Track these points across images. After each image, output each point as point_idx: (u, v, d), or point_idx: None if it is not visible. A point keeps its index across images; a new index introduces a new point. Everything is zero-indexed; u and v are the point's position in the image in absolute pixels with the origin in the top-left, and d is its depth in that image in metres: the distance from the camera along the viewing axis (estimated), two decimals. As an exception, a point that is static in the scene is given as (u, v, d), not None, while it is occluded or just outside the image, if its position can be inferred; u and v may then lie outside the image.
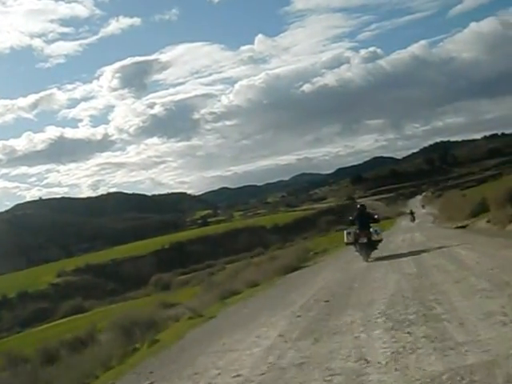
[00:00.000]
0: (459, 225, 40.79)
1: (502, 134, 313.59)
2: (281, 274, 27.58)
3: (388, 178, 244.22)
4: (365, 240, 23.08)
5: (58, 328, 51.69)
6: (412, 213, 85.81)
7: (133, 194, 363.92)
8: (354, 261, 23.85)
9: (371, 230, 23.63)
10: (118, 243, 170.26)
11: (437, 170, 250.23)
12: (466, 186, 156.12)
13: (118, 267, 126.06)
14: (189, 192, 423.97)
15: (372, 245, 23.35)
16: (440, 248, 22.14)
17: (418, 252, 21.88)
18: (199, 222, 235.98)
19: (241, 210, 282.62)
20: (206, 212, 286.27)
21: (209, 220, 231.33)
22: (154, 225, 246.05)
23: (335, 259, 31.73)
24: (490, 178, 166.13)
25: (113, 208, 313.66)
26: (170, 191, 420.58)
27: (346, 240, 24.16)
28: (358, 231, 23.58)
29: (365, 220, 24.27)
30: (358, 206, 26.70)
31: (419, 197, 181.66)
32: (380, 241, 24.04)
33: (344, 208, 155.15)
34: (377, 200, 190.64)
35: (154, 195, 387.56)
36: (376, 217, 26.18)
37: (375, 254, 23.79)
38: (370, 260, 22.51)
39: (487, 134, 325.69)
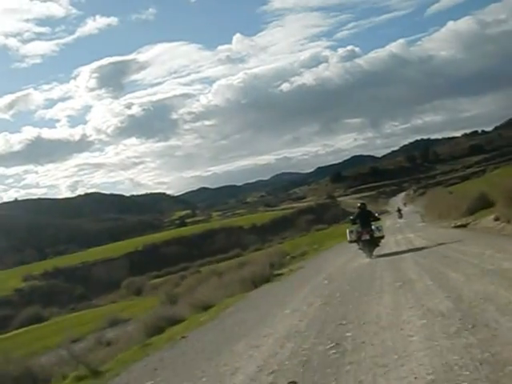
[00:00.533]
0: (458, 223, 34.71)
1: (482, 131, 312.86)
2: (244, 290, 22.63)
3: (369, 176, 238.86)
4: (367, 237, 23.58)
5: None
6: (399, 210, 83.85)
7: (111, 195, 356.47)
8: (339, 272, 20.55)
9: (373, 227, 24.03)
10: (94, 245, 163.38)
11: (418, 168, 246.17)
12: (450, 183, 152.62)
13: (89, 271, 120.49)
14: (168, 192, 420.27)
15: (374, 242, 23.81)
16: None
17: (433, 269, 15.07)
18: (177, 222, 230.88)
19: (220, 210, 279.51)
20: (184, 212, 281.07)
21: (187, 220, 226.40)
22: (131, 226, 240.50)
23: (315, 269, 25.48)
24: (473, 174, 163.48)
25: (90, 209, 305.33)
26: (148, 192, 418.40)
27: (348, 238, 24.64)
28: (360, 229, 23.99)
29: (366, 218, 24.66)
30: (359, 204, 26.45)
31: (401, 195, 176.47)
32: (382, 237, 24.46)
33: (324, 207, 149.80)
34: (358, 198, 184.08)
35: (132, 195, 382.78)
36: (376, 215, 26.49)
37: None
38: (373, 257, 22.93)
39: (467, 131, 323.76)
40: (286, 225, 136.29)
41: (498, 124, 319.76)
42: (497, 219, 28.16)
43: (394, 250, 25.05)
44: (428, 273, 13.95)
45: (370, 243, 23.66)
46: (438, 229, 36.26)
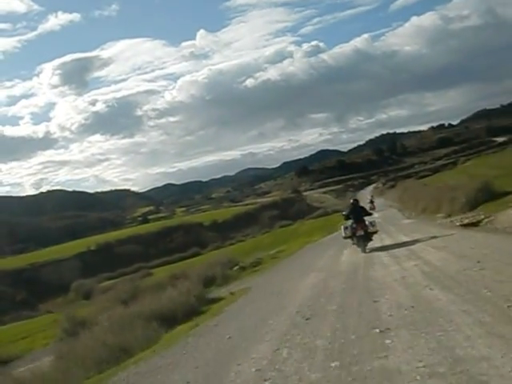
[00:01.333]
0: (465, 221, 25.63)
1: (449, 124, 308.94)
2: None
3: (335, 170, 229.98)
4: (362, 233, 23.57)
5: None
6: (372, 201, 76.08)
7: (74, 192, 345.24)
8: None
9: (367, 222, 23.99)
10: (53, 243, 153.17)
11: (386, 161, 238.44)
12: (421, 175, 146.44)
13: (37, 272, 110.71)
14: (133, 189, 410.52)
15: (368, 237, 23.74)
16: None
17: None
18: (140, 219, 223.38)
19: (184, 206, 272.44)
20: (147, 209, 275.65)
21: (150, 217, 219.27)
22: (92, 223, 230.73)
23: (267, 294, 16.56)
24: (443, 167, 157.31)
25: (53, 206, 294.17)
26: (113, 188, 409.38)
27: (343, 234, 24.72)
28: (354, 225, 23.99)
29: (359, 214, 24.63)
30: (352, 201, 26.46)
31: (370, 188, 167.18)
32: (376, 232, 24.41)
33: (288, 202, 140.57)
34: (324, 193, 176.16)
35: (96, 192, 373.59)
36: (368, 210, 26.86)
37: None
38: (367, 251, 22.73)
39: (433, 124, 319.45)
40: (249, 221, 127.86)
41: (464, 117, 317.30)
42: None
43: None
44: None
45: (365, 238, 23.55)
46: (439, 229, 26.05)
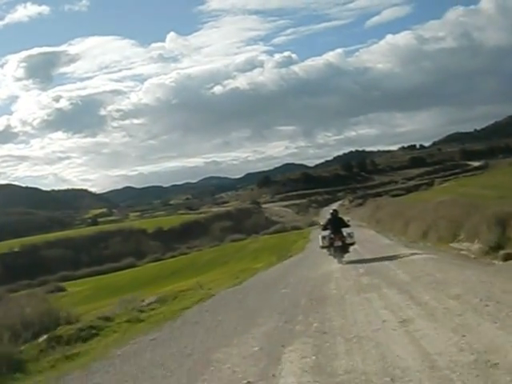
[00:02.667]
0: None
1: (421, 145, 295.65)
2: None
3: (299, 183, 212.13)
4: (340, 243, 23.73)
5: None
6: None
7: (27, 188, 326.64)
8: None
9: (344, 233, 24.05)
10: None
11: (355, 177, 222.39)
12: (393, 194, 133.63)
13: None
14: (92, 190, 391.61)
15: (345, 248, 23.89)
16: None
17: None
18: (89, 221, 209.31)
19: (139, 210, 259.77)
20: (100, 211, 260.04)
21: (101, 219, 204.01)
22: (39, 222, 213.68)
23: None
24: (416, 187, 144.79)
25: (1, 202, 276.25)
26: (70, 187, 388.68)
27: (321, 244, 24.65)
28: (332, 235, 24.05)
29: (337, 224, 24.74)
30: (331, 211, 26.40)
31: (335, 205, 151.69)
32: (353, 244, 24.42)
33: (244, 213, 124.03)
34: (286, 206, 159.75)
35: (53, 191, 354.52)
36: (347, 221, 25.92)
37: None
38: (343, 262, 22.81)
39: (404, 145, 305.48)
40: (199, 231, 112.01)
41: (435, 139, 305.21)
42: None
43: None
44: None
45: (342, 249, 23.70)
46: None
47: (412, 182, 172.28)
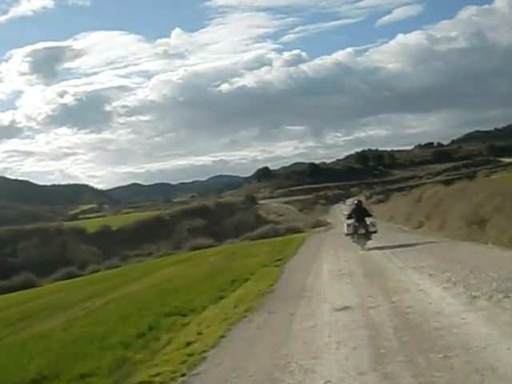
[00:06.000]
0: None
1: (439, 144, 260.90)
2: None
3: (306, 176, 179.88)
4: (363, 231, 24.09)
5: None
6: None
7: (16, 181, 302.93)
8: None
9: (368, 222, 24.45)
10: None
11: (371, 171, 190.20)
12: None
13: None
14: (97, 186, 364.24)
15: (368, 236, 24.18)
16: None
17: None
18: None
19: (135, 207, 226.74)
20: (88, 206, 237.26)
21: (89, 215, 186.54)
22: (12, 216, 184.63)
23: None
24: (448, 182, 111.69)
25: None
26: (71, 182, 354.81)
27: (346, 231, 25.08)
28: (356, 224, 24.42)
29: (361, 214, 25.02)
30: (355, 201, 27.38)
31: (349, 201, 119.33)
32: (375, 232, 24.66)
33: (226, 209, 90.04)
34: (287, 202, 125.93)
35: (53, 185, 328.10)
36: (369, 211, 26.62)
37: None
38: (365, 249, 23.05)
39: (421, 143, 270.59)
40: (160, 231, 79.22)
41: (454, 138, 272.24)
42: None
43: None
44: None
45: (365, 237, 23.93)
46: None
47: (439, 178, 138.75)
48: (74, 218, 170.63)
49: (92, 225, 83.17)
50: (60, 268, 60.53)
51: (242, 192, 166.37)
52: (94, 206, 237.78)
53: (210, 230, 76.22)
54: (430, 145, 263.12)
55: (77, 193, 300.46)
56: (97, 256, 69.39)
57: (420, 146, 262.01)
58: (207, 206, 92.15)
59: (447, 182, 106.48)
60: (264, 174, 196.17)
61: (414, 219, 41.52)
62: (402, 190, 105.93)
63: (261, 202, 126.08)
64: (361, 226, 23.96)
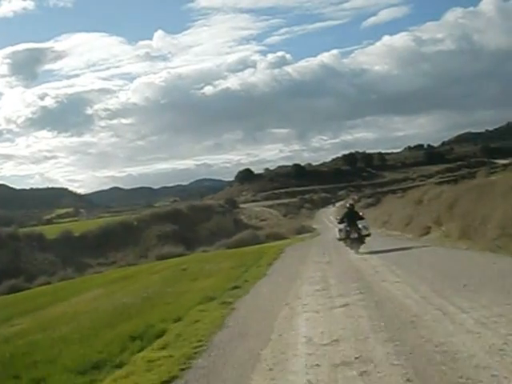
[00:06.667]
0: None
1: (429, 146, 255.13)
2: None
3: (291, 178, 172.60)
4: (356, 235, 23.92)
5: None
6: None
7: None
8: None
9: (360, 226, 24.31)
10: None
11: (359, 173, 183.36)
12: None
13: None
14: (78, 191, 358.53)
15: (361, 239, 24.06)
16: None
17: None
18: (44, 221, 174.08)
19: (115, 211, 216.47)
20: (64, 210, 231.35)
21: (63, 220, 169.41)
22: None
23: None
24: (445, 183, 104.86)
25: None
26: (47, 186, 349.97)
27: (338, 236, 25.04)
28: (348, 228, 24.32)
29: (353, 218, 24.99)
30: (348, 205, 27.47)
31: (337, 205, 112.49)
32: (369, 235, 24.58)
33: (201, 213, 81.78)
34: (270, 206, 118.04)
35: (31, 189, 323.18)
36: (361, 214, 26.34)
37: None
38: (358, 253, 22.71)
39: (410, 145, 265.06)
40: (127, 238, 72.41)
41: (444, 140, 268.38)
42: None
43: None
44: None
45: (358, 241, 23.78)
46: None
47: (432, 180, 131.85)
48: (49, 222, 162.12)
49: (53, 231, 74.88)
50: (5, 280, 52.58)
51: (222, 195, 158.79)
52: (69, 210, 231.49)
53: (183, 236, 68.37)
54: (420, 147, 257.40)
55: (56, 197, 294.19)
56: (54, 265, 61.35)
57: (410, 148, 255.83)
58: (179, 209, 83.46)
59: (448, 183, 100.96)
60: (246, 176, 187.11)
61: (418, 224, 35.24)
62: (394, 193, 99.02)
63: (242, 205, 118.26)
64: (353, 231, 23.90)
